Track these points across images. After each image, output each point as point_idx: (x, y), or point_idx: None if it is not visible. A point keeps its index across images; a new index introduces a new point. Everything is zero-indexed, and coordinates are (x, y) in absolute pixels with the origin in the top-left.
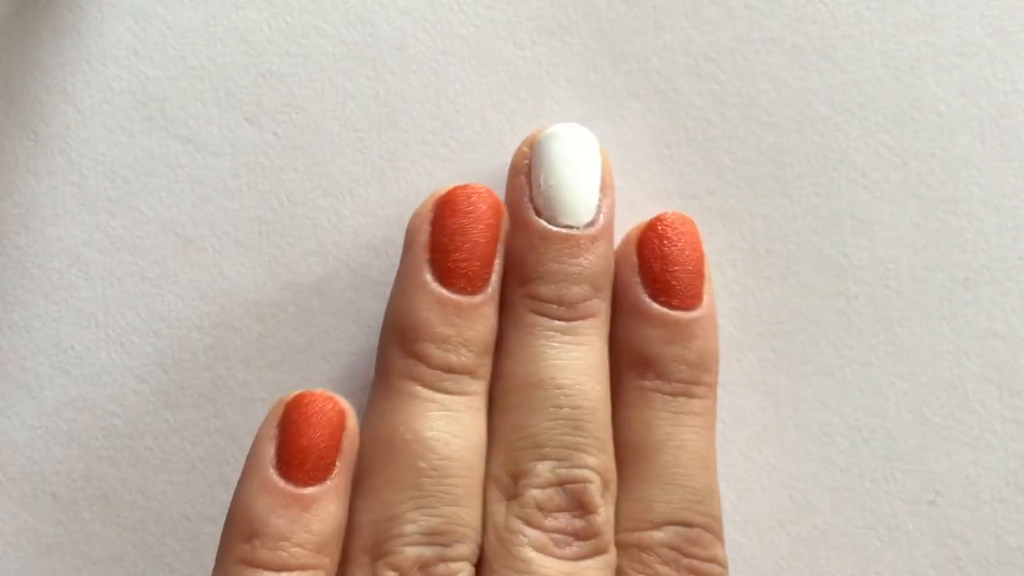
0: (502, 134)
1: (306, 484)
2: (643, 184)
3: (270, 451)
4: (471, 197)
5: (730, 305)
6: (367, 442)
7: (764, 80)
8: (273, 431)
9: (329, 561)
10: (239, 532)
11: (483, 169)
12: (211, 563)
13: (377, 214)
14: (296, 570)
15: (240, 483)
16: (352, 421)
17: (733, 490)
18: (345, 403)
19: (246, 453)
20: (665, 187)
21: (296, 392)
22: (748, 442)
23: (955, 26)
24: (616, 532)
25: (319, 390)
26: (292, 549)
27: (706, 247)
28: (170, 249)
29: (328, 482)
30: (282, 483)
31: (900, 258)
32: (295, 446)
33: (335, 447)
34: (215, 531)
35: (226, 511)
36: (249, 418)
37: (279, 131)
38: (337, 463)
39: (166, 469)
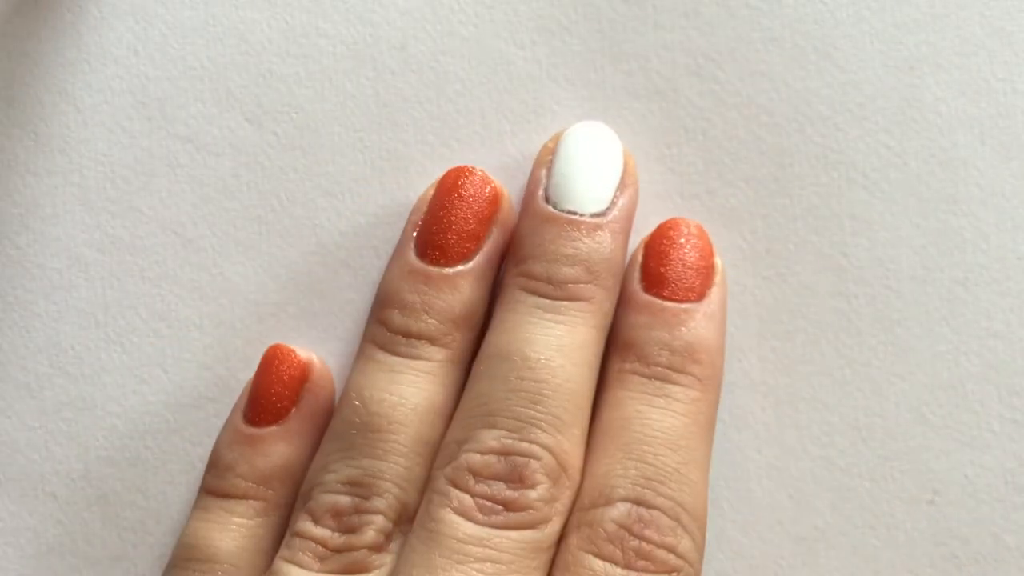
0: (502, 134)
1: (258, 425)
2: (643, 184)
3: (244, 398)
4: (459, 178)
5: (730, 305)
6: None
7: (764, 80)
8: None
9: (274, 494)
10: (208, 466)
11: (483, 169)
12: None
13: (377, 214)
14: (236, 498)
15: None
16: (317, 374)
17: (733, 490)
18: (309, 357)
19: None
20: (665, 187)
21: (271, 346)
22: (748, 442)
23: (955, 26)
24: (574, 512)
25: (289, 347)
26: (234, 480)
27: None
28: (170, 249)
29: (277, 426)
30: (241, 424)
31: (900, 258)
32: (254, 393)
33: (291, 395)
34: None
35: None
36: None
37: (279, 131)
38: (293, 410)
39: (166, 469)
